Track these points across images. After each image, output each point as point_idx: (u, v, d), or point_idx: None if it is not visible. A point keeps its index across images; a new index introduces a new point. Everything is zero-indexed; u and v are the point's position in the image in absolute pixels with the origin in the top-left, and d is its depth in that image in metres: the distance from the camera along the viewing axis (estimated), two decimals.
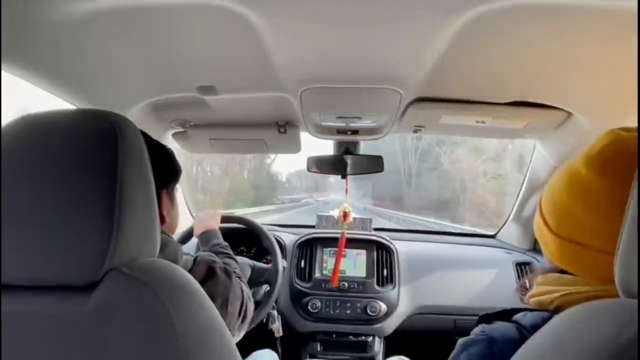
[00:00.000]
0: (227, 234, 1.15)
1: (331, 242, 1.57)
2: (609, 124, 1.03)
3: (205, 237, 1.10)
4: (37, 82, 0.81)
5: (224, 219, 1.24)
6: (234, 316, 0.81)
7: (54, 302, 0.42)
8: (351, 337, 1.45)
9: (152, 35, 0.77)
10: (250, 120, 1.27)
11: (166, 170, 0.82)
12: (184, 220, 1.16)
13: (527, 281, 0.59)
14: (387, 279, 1.49)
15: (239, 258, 1.09)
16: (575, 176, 0.49)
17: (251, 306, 0.88)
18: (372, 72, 0.89)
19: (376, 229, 1.69)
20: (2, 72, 0.72)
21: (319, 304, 1.43)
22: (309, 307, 1.43)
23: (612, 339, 0.27)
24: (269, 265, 1.29)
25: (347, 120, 1.18)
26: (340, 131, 1.27)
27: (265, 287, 1.26)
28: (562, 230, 0.50)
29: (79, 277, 0.41)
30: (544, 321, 0.40)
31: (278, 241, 1.47)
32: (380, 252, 1.54)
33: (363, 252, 1.54)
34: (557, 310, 0.48)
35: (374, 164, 1.43)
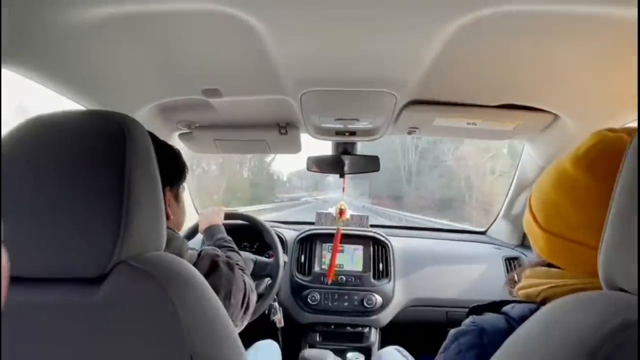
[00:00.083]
0: (230, 230, 1.15)
1: (330, 238, 1.57)
2: (593, 126, 1.03)
3: (210, 232, 1.10)
4: (49, 84, 0.80)
5: (228, 216, 1.24)
6: (237, 307, 0.81)
7: (65, 293, 0.42)
8: (349, 328, 1.46)
9: (159, 41, 0.77)
10: (252, 121, 1.27)
11: (172, 170, 0.82)
12: (190, 217, 1.16)
13: (515, 275, 0.59)
14: (382, 273, 1.49)
15: (242, 253, 1.09)
16: (563, 175, 0.49)
17: (254, 297, 0.88)
18: (368, 76, 0.89)
19: (372, 226, 1.69)
20: (14, 73, 0.71)
21: (318, 296, 1.43)
22: (309, 300, 1.43)
23: (596, 329, 0.27)
24: (271, 260, 1.29)
25: (345, 122, 1.17)
26: (339, 132, 1.27)
27: (267, 281, 1.26)
28: (550, 226, 0.50)
29: (89, 270, 0.41)
30: (532, 312, 0.40)
31: (279, 237, 1.47)
32: (376, 248, 1.54)
33: (360, 247, 1.54)
34: (544, 302, 0.48)
35: (371, 164, 1.43)
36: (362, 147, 1.45)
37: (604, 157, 0.45)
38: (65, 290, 0.42)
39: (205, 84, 0.98)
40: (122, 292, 0.41)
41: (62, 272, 0.42)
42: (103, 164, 0.43)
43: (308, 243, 1.57)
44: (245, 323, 0.90)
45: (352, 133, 1.27)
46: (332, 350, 1.22)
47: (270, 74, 0.89)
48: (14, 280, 0.41)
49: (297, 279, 1.48)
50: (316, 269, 1.51)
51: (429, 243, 1.69)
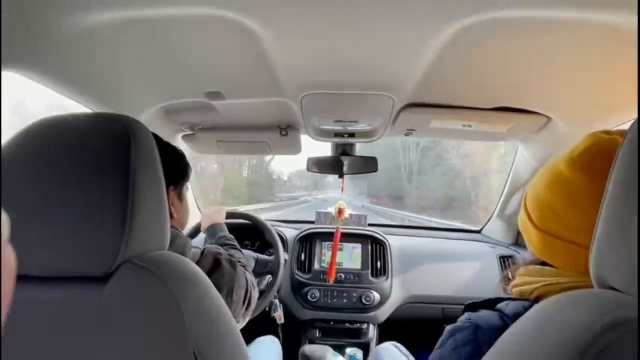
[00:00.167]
0: (232, 229, 1.15)
1: (329, 236, 1.57)
2: (585, 128, 1.05)
3: (212, 231, 1.10)
4: (56, 87, 0.80)
5: (229, 215, 1.24)
6: (239, 304, 0.81)
7: (71, 291, 0.42)
8: (347, 324, 1.46)
9: (163, 45, 0.77)
10: (254, 123, 1.27)
11: (176, 170, 0.82)
12: (193, 216, 1.16)
13: (510, 272, 0.59)
14: (380, 271, 1.49)
15: (243, 251, 1.09)
16: (558, 175, 0.49)
17: (255, 294, 0.88)
18: (367, 80, 0.89)
19: (370, 225, 1.70)
20: (23, 77, 0.71)
21: (317, 293, 1.43)
22: (309, 297, 1.43)
23: (588, 327, 0.27)
24: (272, 258, 1.29)
25: (344, 124, 1.17)
26: (338, 134, 1.27)
27: (268, 278, 1.26)
28: (545, 225, 0.50)
29: (95, 269, 0.41)
30: (525, 310, 0.40)
31: (280, 235, 1.47)
32: (374, 246, 1.54)
33: (358, 245, 1.54)
34: (537, 299, 0.48)
35: (369, 165, 1.43)
36: (361, 147, 1.45)
37: (599, 159, 0.45)
38: (71, 288, 0.42)
39: (208, 87, 0.98)
40: (127, 291, 0.41)
41: (69, 271, 0.42)
42: (108, 165, 0.43)
43: (308, 241, 1.57)
44: (247, 319, 0.90)
45: (351, 135, 1.27)
46: (331, 345, 1.22)
47: (271, 77, 0.89)
48: (22, 278, 0.41)
49: (298, 277, 1.48)
50: (316, 266, 1.51)
51: (426, 241, 1.69)
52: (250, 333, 1.15)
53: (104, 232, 0.41)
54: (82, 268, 0.41)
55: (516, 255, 1.54)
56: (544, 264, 0.51)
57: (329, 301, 1.43)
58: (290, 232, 1.60)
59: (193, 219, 1.15)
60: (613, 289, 0.32)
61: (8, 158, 0.43)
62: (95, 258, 0.41)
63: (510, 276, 0.58)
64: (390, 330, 1.49)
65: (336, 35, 0.69)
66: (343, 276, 1.45)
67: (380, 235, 1.56)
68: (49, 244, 0.41)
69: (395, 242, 1.57)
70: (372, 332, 1.47)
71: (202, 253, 0.80)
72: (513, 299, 0.51)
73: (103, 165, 0.42)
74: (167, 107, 1.10)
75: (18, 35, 0.62)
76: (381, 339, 1.45)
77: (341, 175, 1.46)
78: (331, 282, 1.42)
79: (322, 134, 1.29)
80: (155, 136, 0.72)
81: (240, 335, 0.52)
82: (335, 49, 0.75)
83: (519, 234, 1.61)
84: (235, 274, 0.80)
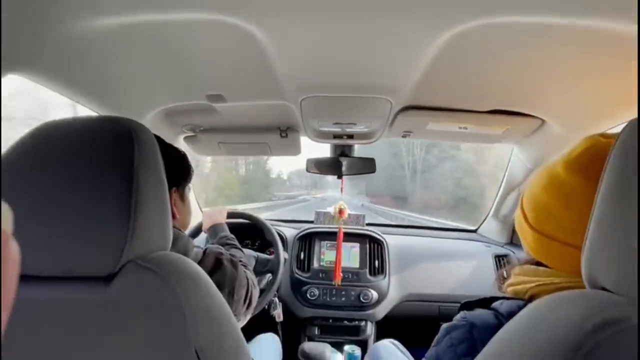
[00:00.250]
0: (233, 228, 1.15)
1: (328, 235, 1.57)
2: (578, 131, 1.05)
3: (213, 231, 1.10)
4: (61, 90, 0.80)
5: (230, 215, 1.24)
6: (240, 303, 0.81)
7: (75, 291, 0.42)
8: (346, 322, 1.46)
9: (165, 49, 0.77)
10: (254, 125, 1.27)
11: (178, 171, 0.82)
12: (195, 216, 1.16)
13: (505, 272, 0.59)
14: (378, 270, 1.49)
15: (244, 250, 1.09)
16: (555, 177, 0.49)
17: (256, 293, 0.88)
18: (365, 83, 0.89)
19: (369, 224, 1.70)
20: (30, 80, 0.72)
21: (316, 292, 1.43)
22: (308, 295, 1.43)
23: (579, 326, 0.27)
24: (272, 257, 1.29)
25: (343, 126, 1.18)
26: (337, 136, 1.27)
27: (268, 277, 1.26)
28: (540, 225, 0.50)
29: (99, 269, 0.41)
30: (519, 309, 0.40)
31: (280, 235, 1.48)
32: (372, 245, 1.54)
33: (357, 245, 1.54)
34: (531, 299, 0.48)
35: (367, 166, 1.44)
36: (360, 147, 1.45)
37: (596, 162, 0.44)
38: (76, 288, 0.42)
39: (210, 90, 0.98)
40: (130, 290, 0.41)
41: (73, 271, 0.42)
42: (112, 167, 0.43)
43: (307, 241, 1.57)
44: (248, 317, 0.90)
45: (350, 136, 1.28)
46: (330, 343, 1.22)
47: (271, 80, 0.89)
48: (26, 278, 0.41)
49: (297, 275, 1.48)
50: (315, 265, 1.51)
51: (423, 241, 1.69)
52: (251, 330, 1.15)
53: (107, 233, 0.41)
54: (86, 268, 0.42)
55: (511, 255, 1.54)
56: (538, 263, 0.52)
57: (328, 299, 1.43)
58: (290, 232, 1.61)
59: (194, 219, 1.15)
60: (604, 289, 0.32)
61: (14, 159, 0.43)
62: (99, 259, 0.41)
63: (505, 275, 0.58)
64: (388, 327, 1.49)
65: (335, 39, 0.69)
66: (342, 275, 1.46)
67: (378, 234, 1.56)
68: (53, 245, 0.41)
69: (392, 241, 1.57)
70: (370, 329, 1.47)
71: (204, 253, 0.80)
72: (508, 298, 0.52)
73: (107, 167, 0.42)
74: (169, 109, 1.10)
75: (24, 39, 0.62)
76: (379, 336, 1.45)
77: (340, 176, 1.46)
78: (338, 282, 1.41)
79: (321, 136, 1.29)
80: (158, 138, 0.72)
81: (241, 334, 0.52)
82: (334, 53, 0.75)
83: (513, 233, 1.61)
84: (237, 273, 0.81)
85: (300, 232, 1.59)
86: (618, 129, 0.35)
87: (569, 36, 0.65)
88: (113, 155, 0.43)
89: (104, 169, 0.42)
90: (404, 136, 1.31)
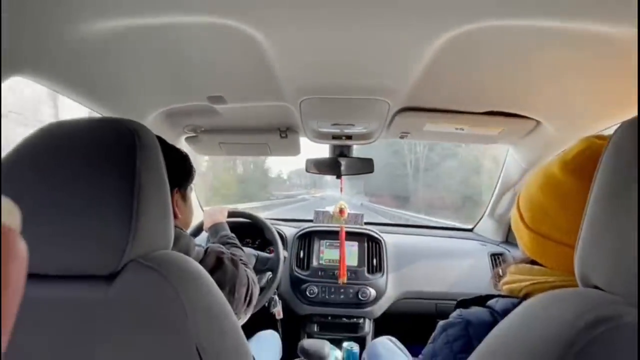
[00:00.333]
0: (234, 227, 1.15)
1: (327, 234, 1.57)
2: (572, 132, 1.05)
3: (214, 230, 1.10)
4: (65, 91, 0.80)
5: (231, 214, 1.24)
6: (240, 301, 0.81)
7: (78, 290, 0.42)
8: (344, 319, 1.46)
9: (167, 51, 0.77)
10: (255, 126, 1.27)
11: (180, 172, 0.82)
12: (196, 215, 1.16)
13: (500, 270, 0.59)
14: (376, 268, 1.49)
15: (244, 249, 1.09)
16: (551, 178, 0.49)
17: (256, 291, 0.88)
18: (363, 85, 0.89)
19: (367, 223, 1.70)
20: (35, 82, 0.71)
21: (315, 289, 1.43)
22: (307, 293, 1.43)
23: (572, 324, 0.28)
24: (272, 255, 1.29)
25: (342, 127, 1.18)
26: (335, 136, 1.28)
27: (268, 275, 1.26)
28: (536, 225, 0.50)
29: (102, 268, 0.41)
30: (514, 306, 0.40)
31: (280, 234, 1.48)
32: (370, 244, 1.55)
33: (355, 243, 1.54)
34: (525, 297, 0.48)
35: (365, 166, 1.44)
36: (359, 147, 1.45)
37: (591, 163, 0.44)
38: (78, 287, 0.42)
39: (210, 92, 0.98)
40: (132, 289, 0.41)
41: (76, 270, 0.42)
42: (115, 167, 0.43)
43: (307, 239, 1.57)
44: (249, 315, 0.90)
45: (348, 137, 1.28)
46: (328, 339, 1.22)
47: (271, 82, 0.89)
48: (29, 276, 0.41)
49: (297, 273, 1.48)
50: (314, 263, 1.51)
51: (420, 239, 1.69)
52: (251, 328, 1.15)
53: (110, 233, 0.41)
54: (89, 267, 0.42)
55: (506, 253, 1.54)
56: (534, 262, 0.52)
57: (327, 297, 1.43)
58: (289, 230, 1.61)
59: (195, 218, 1.15)
60: (597, 287, 0.32)
61: (18, 160, 0.43)
62: (102, 258, 0.41)
63: (501, 273, 0.58)
64: (385, 324, 1.49)
65: (334, 42, 0.69)
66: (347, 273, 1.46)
67: (376, 233, 1.56)
68: (56, 244, 0.41)
69: (390, 240, 1.58)
70: (368, 326, 1.47)
71: (205, 252, 0.80)
72: (503, 296, 0.52)
73: (109, 168, 0.42)
74: (171, 110, 1.10)
75: (27, 42, 0.62)
76: (377, 333, 1.46)
77: (339, 176, 1.46)
78: (344, 280, 1.41)
79: (320, 137, 1.29)
80: (161, 139, 0.72)
81: (241, 331, 0.52)
82: (333, 55, 0.75)
83: (509, 232, 1.62)
84: (237, 272, 0.81)
85: (300, 231, 1.59)
86: (612, 131, 0.35)
87: (563, 39, 0.65)
88: (115, 156, 0.43)
89: (106, 169, 0.42)
90: (401, 137, 1.31)
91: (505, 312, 0.44)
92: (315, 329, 1.48)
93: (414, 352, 1.09)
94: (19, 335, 0.40)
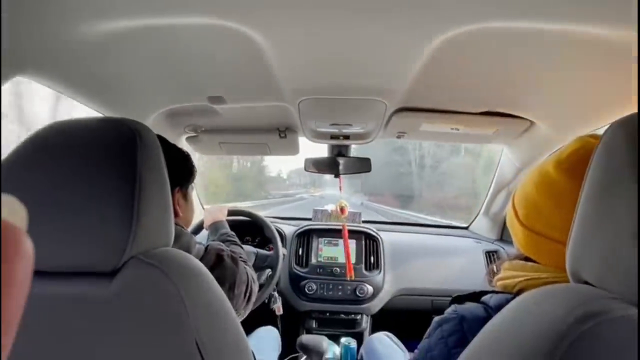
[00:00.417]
0: (233, 225, 1.15)
1: (325, 232, 1.57)
2: (565, 132, 1.06)
3: (214, 228, 1.10)
4: (67, 92, 0.80)
5: (231, 212, 1.24)
6: (240, 298, 0.81)
7: (80, 286, 0.42)
8: (342, 315, 1.46)
9: (167, 52, 0.77)
10: (254, 126, 1.27)
11: (181, 171, 0.82)
12: (197, 214, 1.16)
13: (495, 267, 0.59)
14: (373, 265, 1.50)
15: (244, 246, 1.09)
16: (546, 176, 0.49)
17: (256, 288, 0.88)
18: (361, 86, 0.89)
19: (364, 222, 1.70)
20: (38, 83, 0.71)
21: (314, 286, 1.43)
22: (306, 289, 1.43)
23: (562, 319, 0.28)
24: (271, 253, 1.29)
25: (340, 127, 1.18)
26: (334, 136, 1.27)
27: (268, 272, 1.26)
28: (530, 222, 0.50)
29: (103, 265, 0.41)
30: (508, 302, 0.40)
31: (279, 231, 1.48)
32: (368, 242, 1.55)
33: (353, 241, 1.54)
34: (519, 292, 0.48)
35: (363, 165, 1.44)
36: (359, 146, 1.45)
37: (585, 162, 0.44)
38: (79, 283, 0.42)
39: (211, 92, 0.97)
40: (133, 285, 0.41)
41: (78, 267, 0.42)
42: (116, 166, 0.43)
43: (305, 237, 1.57)
44: (248, 311, 0.90)
45: (346, 137, 1.28)
46: (327, 335, 1.23)
47: (270, 83, 0.89)
48: (34, 273, 0.41)
49: (296, 271, 1.48)
50: (313, 261, 1.51)
51: (417, 237, 1.70)
52: (251, 324, 1.15)
53: (111, 230, 0.41)
54: (90, 264, 0.42)
55: (500, 251, 1.55)
56: (527, 259, 0.52)
57: (325, 293, 1.43)
58: (288, 228, 1.61)
59: (196, 216, 1.15)
60: (587, 283, 0.32)
61: (21, 159, 0.43)
62: (104, 254, 0.41)
63: (495, 270, 0.58)
64: (382, 320, 1.49)
65: (331, 44, 0.69)
66: (339, 270, 1.46)
67: (374, 231, 1.56)
68: (58, 241, 0.41)
69: (387, 237, 1.58)
70: (366, 322, 1.48)
71: (205, 249, 0.80)
72: (497, 292, 0.52)
73: (111, 167, 0.42)
74: (171, 110, 1.10)
75: (29, 42, 0.61)
76: (374, 329, 1.46)
77: (337, 175, 1.46)
78: (351, 276, 1.42)
79: (318, 136, 1.29)
80: (163, 139, 0.72)
81: (241, 328, 0.52)
82: (331, 56, 0.75)
83: (503, 230, 1.62)
84: (237, 269, 0.81)
85: (299, 229, 1.59)
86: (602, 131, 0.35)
87: (557, 41, 0.65)
88: (117, 155, 0.43)
89: (108, 168, 0.42)
90: (398, 137, 1.31)
91: (499, 307, 0.44)
92: (314, 325, 1.48)
93: (410, 347, 1.09)
94: (20, 332, 0.40)
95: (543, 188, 0.49)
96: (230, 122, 1.23)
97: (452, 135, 1.23)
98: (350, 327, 1.47)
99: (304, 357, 1.17)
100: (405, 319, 1.48)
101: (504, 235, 1.62)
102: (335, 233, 1.56)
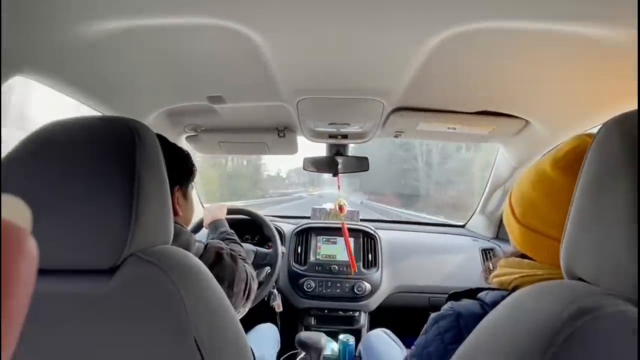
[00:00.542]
0: (233, 224, 1.14)
1: (324, 231, 1.57)
2: (560, 132, 1.06)
3: (214, 226, 1.10)
4: (68, 91, 0.80)
5: (230, 211, 1.23)
6: (239, 295, 0.81)
7: (79, 284, 0.41)
8: (340, 312, 1.46)
9: (167, 52, 0.76)
10: (253, 125, 1.27)
11: (181, 170, 0.81)
12: (196, 212, 1.16)
13: (491, 264, 0.59)
14: (371, 263, 1.50)
15: (244, 245, 1.09)
16: (542, 174, 0.49)
17: (255, 285, 0.88)
18: (358, 86, 0.89)
19: (362, 220, 1.70)
20: (38, 83, 0.71)
21: (313, 284, 1.43)
22: (305, 287, 1.43)
23: (557, 315, 0.28)
24: (270, 251, 1.29)
25: (338, 126, 1.18)
26: (332, 135, 1.27)
27: (267, 270, 1.26)
28: (526, 219, 0.50)
29: (102, 262, 0.41)
30: (503, 299, 0.40)
31: (278, 230, 1.47)
32: (366, 240, 1.55)
33: (351, 239, 1.54)
34: (514, 289, 0.48)
35: (361, 164, 1.44)
36: (355, 147, 1.45)
37: (582, 160, 0.45)
38: (79, 281, 0.42)
39: (210, 92, 0.97)
40: (132, 283, 0.41)
41: (77, 264, 0.41)
42: (115, 165, 0.42)
43: (304, 235, 1.57)
44: (247, 309, 0.90)
45: (344, 136, 1.28)
46: (325, 332, 1.23)
47: (268, 83, 0.89)
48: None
49: (294, 268, 1.48)
50: (312, 259, 1.51)
51: (414, 235, 1.70)
52: (250, 321, 1.15)
53: (110, 228, 0.41)
54: (89, 262, 0.41)
55: (496, 248, 1.55)
56: (523, 256, 0.52)
57: (324, 291, 1.43)
58: (287, 227, 1.61)
59: (196, 215, 1.15)
60: (581, 279, 0.32)
61: (21, 157, 0.43)
62: (103, 252, 0.41)
63: (491, 267, 0.58)
64: (380, 317, 1.50)
65: (329, 44, 0.69)
66: (337, 268, 1.46)
67: (372, 229, 1.56)
68: (57, 239, 0.40)
69: (385, 236, 1.58)
70: (364, 319, 1.48)
71: (205, 247, 0.80)
72: (493, 289, 0.52)
73: (110, 165, 0.42)
74: (171, 110, 1.10)
75: (29, 42, 0.61)
76: (372, 325, 1.46)
77: (335, 174, 1.46)
78: (355, 270, 1.43)
79: (317, 136, 1.29)
80: (163, 138, 0.71)
81: (240, 325, 0.52)
82: (329, 57, 0.75)
83: (499, 228, 1.62)
84: (236, 267, 0.80)
85: (298, 227, 1.59)
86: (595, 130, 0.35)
87: (552, 42, 0.65)
88: (116, 154, 0.43)
89: (107, 166, 0.42)
90: (395, 136, 1.31)
91: (495, 304, 0.44)
92: (313, 322, 1.48)
93: (407, 343, 1.09)
94: (20, 330, 0.40)
95: (539, 186, 0.49)
96: (230, 122, 1.23)
97: (448, 134, 1.23)
98: (348, 324, 1.47)
99: (303, 353, 1.17)
100: (402, 315, 1.48)
101: (500, 233, 1.62)
102: (334, 231, 1.56)
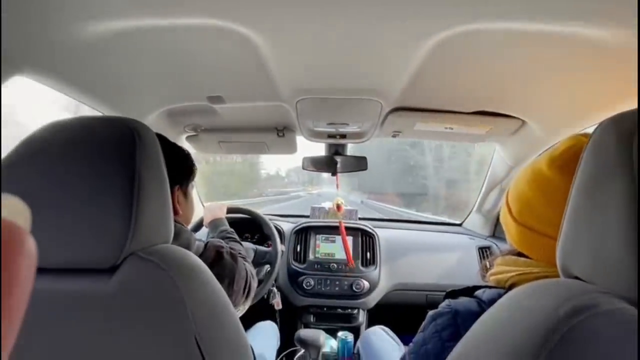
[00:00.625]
0: (233, 223, 1.14)
1: (323, 229, 1.57)
2: (556, 131, 1.06)
3: (214, 225, 1.10)
4: (68, 91, 0.79)
5: (230, 210, 1.23)
6: (239, 293, 0.81)
7: (79, 283, 0.41)
8: (339, 310, 1.46)
9: (167, 52, 0.76)
10: (253, 125, 1.27)
11: (181, 170, 0.81)
12: (196, 211, 1.15)
13: (488, 262, 0.59)
14: (370, 261, 1.50)
15: (243, 243, 1.09)
16: (539, 174, 0.49)
17: (254, 284, 0.88)
18: (357, 86, 0.89)
19: (361, 219, 1.70)
20: (38, 83, 0.70)
21: (312, 282, 1.43)
22: (304, 285, 1.43)
23: (552, 313, 0.28)
24: (270, 249, 1.29)
25: (336, 126, 1.18)
26: (331, 135, 1.27)
27: (267, 268, 1.26)
28: (522, 218, 0.50)
29: (103, 261, 0.41)
30: (500, 297, 0.40)
31: (277, 229, 1.47)
32: (364, 238, 1.55)
33: (350, 238, 1.54)
34: (511, 287, 0.48)
35: (360, 164, 1.44)
36: (354, 147, 1.45)
37: (577, 160, 0.45)
38: (79, 280, 0.41)
39: (210, 92, 0.97)
40: (132, 282, 0.41)
41: (78, 263, 0.41)
42: (115, 164, 0.42)
43: (303, 234, 1.57)
44: (247, 307, 0.89)
45: (343, 136, 1.27)
46: (324, 329, 1.23)
47: (268, 83, 0.88)
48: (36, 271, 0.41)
49: (294, 267, 1.48)
50: (311, 257, 1.51)
51: (411, 234, 1.70)
52: (250, 318, 1.15)
53: (110, 227, 0.41)
54: (89, 261, 0.41)
55: (493, 247, 1.55)
56: (520, 254, 0.52)
57: (323, 289, 1.43)
58: (287, 225, 1.61)
59: (196, 214, 1.14)
60: (577, 278, 0.32)
61: (21, 157, 0.42)
62: (103, 251, 0.41)
63: (488, 265, 0.58)
64: (378, 315, 1.50)
65: (328, 45, 0.69)
66: (336, 266, 1.46)
67: (370, 228, 1.57)
68: (57, 238, 0.40)
69: (383, 234, 1.58)
70: (362, 317, 1.48)
71: (205, 246, 0.80)
72: (490, 287, 0.52)
73: (110, 165, 0.42)
74: (171, 110, 1.09)
75: (29, 42, 0.61)
76: (370, 323, 1.46)
77: (334, 173, 1.46)
78: (352, 266, 1.45)
79: (316, 135, 1.29)
80: (163, 138, 0.71)
81: (239, 323, 0.51)
82: (328, 57, 0.75)
83: (496, 227, 1.63)
84: (236, 265, 0.80)
85: (297, 226, 1.59)
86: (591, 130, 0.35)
87: (548, 42, 0.65)
88: (116, 154, 0.43)
89: (107, 166, 0.42)
90: (394, 136, 1.31)
91: (492, 302, 0.44)
92: (312, 320, 1.48)
93: (405, 340, 1.10)
94: (20, 328, 0.40)
95: (536, 185, 0.49)
96: (230, 122, 1.23)
97: (446, 134, 1.23)
98: (347, 321, 1.47)
99: (302, 350, 1.18)
100: (400, 313, 1.48)
101: (496, 232, 1.63)
102: (332, 230, 1.56)
